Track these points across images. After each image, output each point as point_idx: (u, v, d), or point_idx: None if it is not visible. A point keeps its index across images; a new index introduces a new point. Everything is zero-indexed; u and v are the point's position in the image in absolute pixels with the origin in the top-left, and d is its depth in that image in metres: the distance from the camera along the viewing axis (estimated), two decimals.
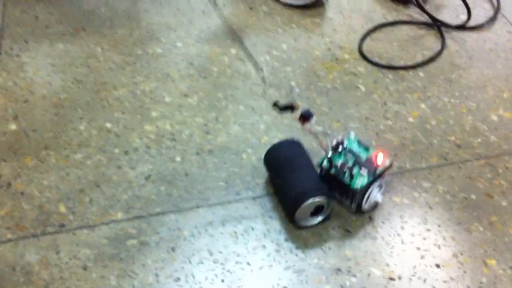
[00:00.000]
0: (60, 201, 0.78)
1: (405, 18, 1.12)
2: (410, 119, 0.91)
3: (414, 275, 0.71)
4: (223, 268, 0.71)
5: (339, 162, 0.75)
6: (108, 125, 0.90)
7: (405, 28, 1.10)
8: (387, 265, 0.71)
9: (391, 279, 0.70)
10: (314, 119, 0.80)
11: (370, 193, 0.75)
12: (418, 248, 0.73)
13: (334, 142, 0.77)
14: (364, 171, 0.74)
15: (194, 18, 1.12)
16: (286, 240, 0.74)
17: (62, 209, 0.78)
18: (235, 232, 0.75)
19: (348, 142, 0.77)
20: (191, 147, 0.87)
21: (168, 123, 0.91)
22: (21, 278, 0.69)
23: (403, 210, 0.78)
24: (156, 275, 0.70)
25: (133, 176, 0.82)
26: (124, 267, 0.71)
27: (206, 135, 0.89)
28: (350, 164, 0.75)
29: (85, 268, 0.71)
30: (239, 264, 0.71)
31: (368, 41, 1.07)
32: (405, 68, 1.00)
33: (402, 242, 0.74)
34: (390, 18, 1.12)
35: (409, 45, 1.06)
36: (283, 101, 0.86)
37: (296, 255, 0.73)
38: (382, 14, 1.13)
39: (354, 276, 0.70)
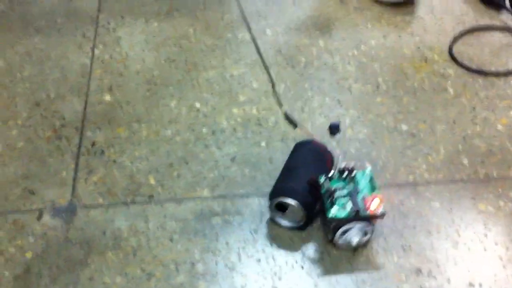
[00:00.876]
0: (150, 173, 0.82)
1: (498, 23, 1.10)
2: (499, 127, 0.90)
3: (494, 284, 0.70)
4: (303, 255, 0.72)
5: (334, 185, 0.71)
6: (197, 104, 0.93)
7: (497, 34, 1.08)
8: (468, 271, 0.71)
9: (471, 285, 0.70)
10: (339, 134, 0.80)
11: (346, 231, 0.70)
12: (501, 258, 0.73)
13: (342, 166, 0.72)
14: (349, 206, 0.69)
15: (284, 8, 1.13)
16: None
17: (152, 180, 0.81)
18: (318, 221, 0.77)
19: (360, 174, 0.72)
20: (276, 134, 0.88)
21: (255, 108, 0.92)
22: (110, 242, 0.73)
23: (487, 218, 0.77)
24: (238, 254, 0.72)
25: (219, 156, 0.85)
26: (208, 243, 0.73)
27: (291, 124, 0.90)
28: (343, 193, 0.70)
29: (171, 239, 0.73)
30: (320, 253, 0.73)
31: (459, 44, 1.05)
32: (497, 74, 0.99)
33: (485, 250, 0.74)
34: (483, 22, 1.10)
35: (501, 52, 1.04)
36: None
37: (377, 251, 0.73)
38: (475, 18, 1.11)
39: (434, 278, 0.70)
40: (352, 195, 0.70)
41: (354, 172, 0.72)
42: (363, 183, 0.72)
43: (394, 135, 0.88)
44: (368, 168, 0.73)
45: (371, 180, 0.72)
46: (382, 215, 0.69)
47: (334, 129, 0.87)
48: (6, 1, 1.14)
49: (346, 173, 0.72)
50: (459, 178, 0.82)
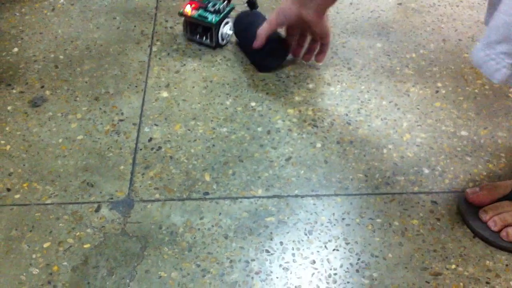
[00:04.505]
0: (205, 170, 0.82)
1: None
2: None
3: None
4: (358, 259, 0.71)
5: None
6: (253, 103, 0.93)
7: None
8: None
9: None
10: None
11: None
12: None
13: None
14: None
15: (341, 9, 1.12)
16: (423, 241, 0.74)
17: (207, 178, 0.81)
18: (372, 225, 0.75)
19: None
20: (332, 135, 0.88)
21: (311, 109, 0.92)
22: (166, 237, 0.74)
23: None
24: (293, 254, 0.72)
25: (275, 156, 0.84)
26: (262, 242, 0.73)
27: (347, 125, 0.89)
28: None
29: (226, 236, 0.74)
30: (375, 257, 0.72)
31: None
32: None
33: None
34: None
35: None
36: None
37: (434, 258, 0.72)
38: None
39: None
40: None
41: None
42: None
43: (454, 141, 0.86)
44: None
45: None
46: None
47: (251, 4, 1.05)
48: None
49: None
50: None
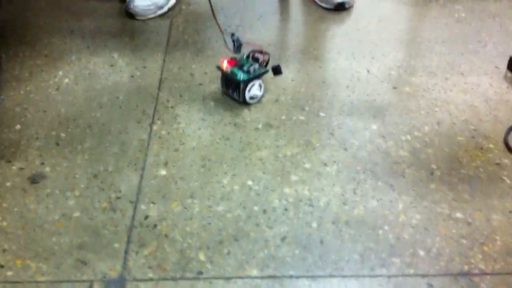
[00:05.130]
0: (200, 249, 0.82)
1: None
2: None
3: None
4: None
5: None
6: (250, 182, 0.94)
7: None
8: None
9: None
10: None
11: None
12: None
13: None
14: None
15: (338, 91, 1.15)
16: None
17: (202, 257, 0.81)
18: None
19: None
20: (328, 215, 0.88)
21: (307, 189, 0.93)
22: None
23: None
24: None
25: (270, 236, 0.84)
26: None
27: (343, 206, 0.90)
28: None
29: None
30: None
31: None
32: None
33: None
34: None
35: None
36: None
37: None
38: None
39: None
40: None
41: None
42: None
43: (449, 223, 0.86)
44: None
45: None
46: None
47: (276, 71, 1.14)
48: (72, 77, 1.20)
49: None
50: None
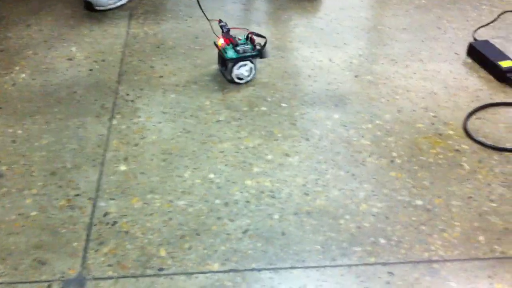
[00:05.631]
0: (161, 245, 0.81)
1: None
2: None
3: None
4: None
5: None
6: (212, 175, 0.93)
7: None
8: None
9: None
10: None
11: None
12: None
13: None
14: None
15: (300, 81, 1.15)
16: None
17: (163, 253, 0.80)
18: None
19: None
20: (290, 207, 0.88)
21: (269, 180, 0.92)
22: None
23: None
24: None
25: (232, 229, 0.84)
26: None
27: (305, 196, 0.90)
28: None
29: None
30: None
31: (473, 119, 1.05)
32: None
33: None
34: (498, 99, 1.11)
35: None
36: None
37: None
38: (489, 94, 1.12)
39: None
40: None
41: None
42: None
43: (409, 210, 0.87)
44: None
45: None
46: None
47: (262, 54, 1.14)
48: (28, 71, 1.17)
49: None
50: (476, 256, 0.80)
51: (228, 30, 1.13)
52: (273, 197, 0.89)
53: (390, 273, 0.78)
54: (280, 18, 1.38)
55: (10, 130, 1.02)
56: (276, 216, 0.86)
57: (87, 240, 0.82)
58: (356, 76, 1.17)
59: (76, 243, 0.81)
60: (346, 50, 1.25)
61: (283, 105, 1.09)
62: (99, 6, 1.38)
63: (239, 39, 1.13)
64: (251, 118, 1.05)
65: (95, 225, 0.84)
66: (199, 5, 1.21)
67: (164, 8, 1.40)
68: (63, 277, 0.76)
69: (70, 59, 1.21)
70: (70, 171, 0.93)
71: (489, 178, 0.93)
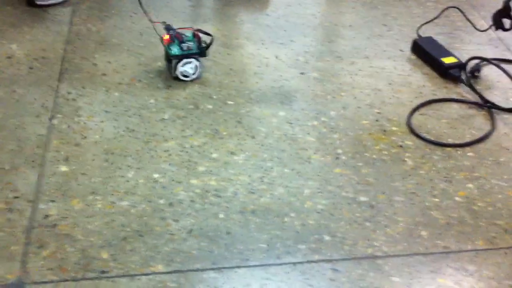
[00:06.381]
0: (103, 247, 0.79)
1: (455, 96, 1.13)
2: (457, 198, 0.90)
3: None
4: None
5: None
6: (156, 175, 0.91)
7: (455, 106, 1.10)
8: None
9: None
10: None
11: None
12: None
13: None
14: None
15: (245, 78, 1.15)
16: None
17: (104, 255, 0.78)
18: None
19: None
20: (235, 205, 0.87)
21: (214, 179, 0.91)
22: None
23: None
24: None
25: (176, 229, 0.83)
26: None
27: (250, 195, 0.89)
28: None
29: None
30: None
31: (416, 115, 1.07)
32: (454, 146, 1.00)
33: None
34: (440, 95, 1.13)
35: (458, 124, 1.06)
36: None
37: None
38: (432, 90, 1.14)
39: None
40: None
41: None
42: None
43: (353, 207, 0.88)
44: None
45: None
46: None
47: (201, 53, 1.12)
48: None
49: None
50: (418, 251, 0.81)
51: (174, 31, 1.11)
52: (218, 196, 0.89)
53: (334, 269, 0.78)
54: (227, 15, 1.37)
55: None
56: (221, 215, 0.85)
57: (27, 244, 0.79)
58: (302, 73, 1.17)
59: (15, 247, 0.79)
60: (292, 47, 1.25)
61: (229, 102, 1.08)
62: (41, 1, 1.34)
63: (185, 36, 1.11)
64: (196, 116, 1.04)
65: (34, 228, 0.81)
66: (141, 6, 1.19)
67: (108, 4, 1.37)
68: (1, 282, 0.74)
69: (9, 57, 1.17)
70: (8, 173, 0.90)
71: (432, 173, 0.95)
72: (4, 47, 1.21)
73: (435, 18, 1.35)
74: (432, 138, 1.01)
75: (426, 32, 1.31)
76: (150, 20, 1.16)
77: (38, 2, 1.34)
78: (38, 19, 1.31)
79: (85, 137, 0.98)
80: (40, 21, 1.30)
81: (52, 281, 0.75)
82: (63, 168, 0.91)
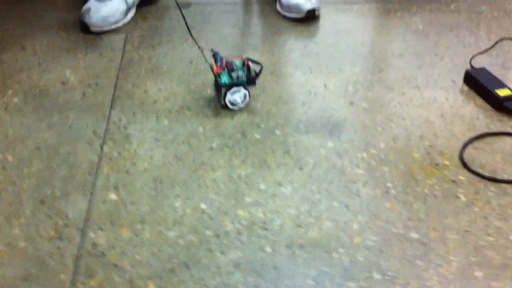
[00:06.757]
0: (150, 278, 0.79)
1: (510, 130, 1.09)
2: None
3: None
4: None
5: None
6: (203, 205, 0.91)
7: (510, 141, 1.07)
8: None
9: None
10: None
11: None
12: None
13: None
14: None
15: (294, 108, 1.14)
16: None
17: (152, 287, 0.78)
18: None
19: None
20: (282, 239, 0.86)
21: (261, 211, 0.91)
22: None
23: None
24: None
25: (223, 262, 0.82)
26: None
27: (297, 228, 0.88)
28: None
29: None
30: None
31: (470, 149, 1.04)
32: (509, 182, 0.97)
33: None
34: (494, 128, 1.09)
35: None
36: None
37: None
38: (486, 123, 1.11)
39: None
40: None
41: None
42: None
43: (404, 244, 0.85)
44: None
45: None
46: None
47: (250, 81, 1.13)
48: (21, 95, 1.16)
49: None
50: None
51: (221, 59, 1.12)
52: (265, 228, 0.88)
53: None
54: (275, 43, 1.37)
55: (0, 156, 1.00)
56: (269, 249, 0.85)
57: (75, 273, 0.80)
58: (351, 103, 1.16)
59: (63, 276, 0.79)
60: (341, 76, 1.24)
61: (277, 132, 1.08)
62: (95, 28, 1.38)
63: (235, 65, 1.12)
64: (244, 145, 1.04)
65: (83, 256, 0.82)
66: (191, 34, 1.21)
67: (159, 32, 1.39)
68: None
69: (63, 83, 1.20)
70: (59, 200, 0.92)
71: (486, 210, 0.91)
72: (59, 72, 1.24)
73: (489, 49, 1.32)
74: (486, 173, 0.98)
75: (479, 63, 1.28)
76: (200, 48, 1.18)
77: (92, 29, 1.37)
78: (92, 45, 1.34)
79: (135, 165, 0.99)
80: (93, 48, 1.33)
81: None
82: (113, 196, 0.92)
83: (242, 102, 1.12)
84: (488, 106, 1.15)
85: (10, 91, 1.18)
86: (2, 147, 1.02)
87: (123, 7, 1.41)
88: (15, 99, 1.15)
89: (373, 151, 1.03)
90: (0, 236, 0.85)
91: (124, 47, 1.33)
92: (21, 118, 1.10)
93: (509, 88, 1.16)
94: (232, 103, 1.12)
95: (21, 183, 0.95)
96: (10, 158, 1.00)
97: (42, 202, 0.91)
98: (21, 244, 0.84)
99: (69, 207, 0.90)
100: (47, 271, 0.80)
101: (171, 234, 0.86)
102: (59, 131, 1.06)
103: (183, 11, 1.27)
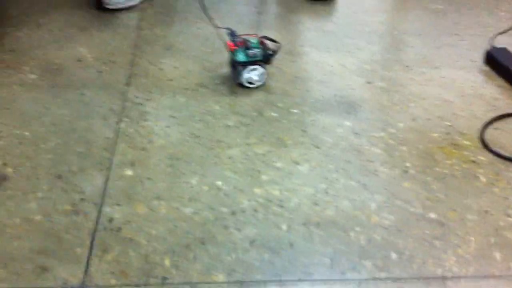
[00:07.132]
0: (165, 253, 0.79)
1: None
2: None
3: None
4: None
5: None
6: (219, 183, 0.91)
7: None
8: None
9: None
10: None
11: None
12: None
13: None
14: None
15: (311, 87, 1.13)
16: None
17: (167, 262, 0.78)
18: None
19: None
20: (298, 217, 0.85)
21: (277, 189, 0.90)
22: None
23: None
24: None
25: (238, 239, 0.82)
26: None
27: (314, 206, 0.87)
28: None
29: None
30: None
31: (490, 129, 1.03)
32: None
33: None
34: None
35: None
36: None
37: None
38: (507, 103, 1.09)
39: None
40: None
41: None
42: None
43: (422, 224, 0.84)
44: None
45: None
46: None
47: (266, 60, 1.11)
48: (37, 72, 1.16)
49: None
50: (491, 273, 0.77)
51: (237, 37, 1.10)
52: (281, 206, 0.87)
53: None
54: (291, 21, 1.36)
55: (17, 132, 1.00)
56: (284, 227, 0.84)
57: (91, 247, 0.80)
58: (368, 83, 1.14)
59: (79, 250, 0.79)
60: (358, 56, 1.23)
61: (294, 111, 1.07)
62: (110, 5, 1.37)
63: (251, 42, 1.11)
64: (260, 123, 1.03)
65: (99, 231, 0.82)
66: (205, 12, 1.20)
67: (174, 10, 1.38)
68: (65, 284, 0.74)
69: (79, 60, 1.20)
70: (76, 175, 0.91)
71: (507, 191, 0.90)
72: (74, 50, 1.23)
73: (510, 29, 1.29)
74: (507, 154, 0.97)
75: (499, 43, 1.25)
76: (214, 26, 1.17)
77: (107, 6, 1.36)
78: (106, 23, 1.34)
79: (151, 142, 0.98)
80: (108, 25, 1.32)
81: (114, 286, 0.75)
82: (129, 172, 0.92)
83: (259, 80, 1.11)
84: (509, 86, 1.13)
85: (26, 68, 1.17)
86: (19, 122, 1.02)
87: None
88: (32, 76, 1.15)
89: (391, 130, 1.02)
90: (17, 210, 0.85)
91: (138, 24, 1.32)
92: (37, 94, 1.10)
93: None
94: (248, 81, 1.10)
95: (38, 158, 0.95)
96: (27, 133, 1.00)
97: (58, 177, 0.91)
98: (38, 218, 0.84)
99: (85, 182, 0.90)
100: (63, 245, 0.80)
101: (187, 210, 0.86)
102: (76, 107, 1.06)
103: None
